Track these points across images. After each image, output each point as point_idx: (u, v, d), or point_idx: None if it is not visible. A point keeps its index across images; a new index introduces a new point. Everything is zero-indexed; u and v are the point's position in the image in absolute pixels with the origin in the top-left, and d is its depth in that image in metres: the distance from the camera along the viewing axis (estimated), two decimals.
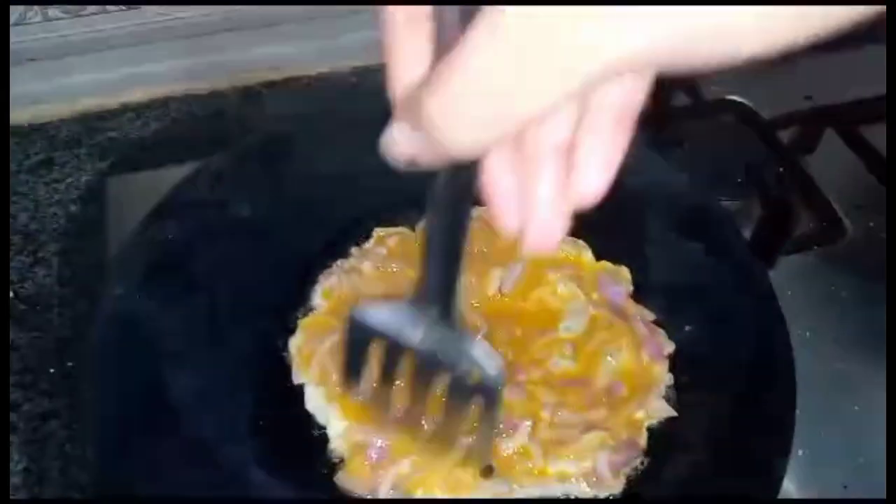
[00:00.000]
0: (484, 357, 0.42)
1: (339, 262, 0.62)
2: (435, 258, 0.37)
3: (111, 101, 0.82)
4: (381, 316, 0.43)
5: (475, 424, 0.45)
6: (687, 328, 0.58)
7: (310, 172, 0.65)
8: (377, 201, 0.66)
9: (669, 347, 0.57)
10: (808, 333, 0.63)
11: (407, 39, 0.28)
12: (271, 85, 0.85)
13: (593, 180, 0.29)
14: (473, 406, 0.43)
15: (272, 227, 0.62)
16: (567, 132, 0.28)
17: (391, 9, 0.28)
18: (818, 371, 0.60)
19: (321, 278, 0.61)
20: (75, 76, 0.80)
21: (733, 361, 0.55)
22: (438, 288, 0.39)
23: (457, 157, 0.27)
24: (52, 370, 0.61)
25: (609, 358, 0.55)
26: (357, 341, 0.45)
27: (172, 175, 0.64)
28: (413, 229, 0.64)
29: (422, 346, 0.42)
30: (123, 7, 0.78)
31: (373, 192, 0.66)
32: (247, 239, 0.61)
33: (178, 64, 0.83)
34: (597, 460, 0.50)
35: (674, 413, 0.54)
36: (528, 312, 0.58)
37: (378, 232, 0.64)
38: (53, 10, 0.76)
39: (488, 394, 0.43)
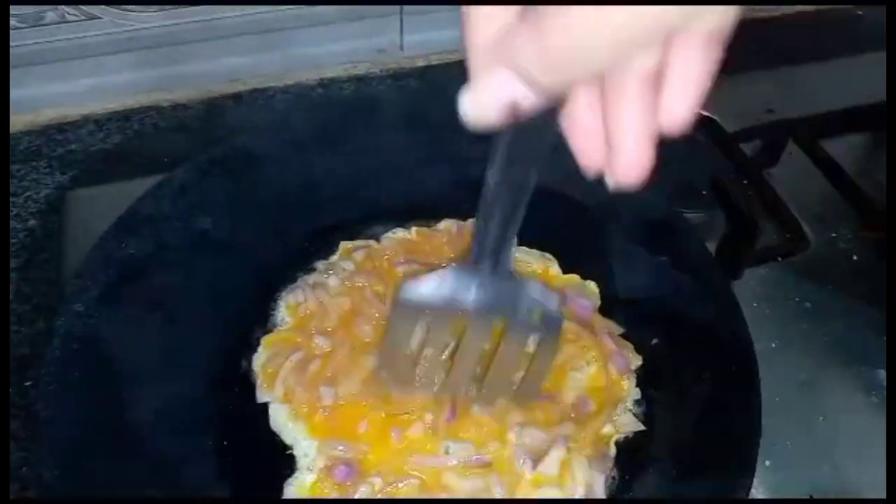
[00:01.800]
0: (544, 295, 0.44)
1: (304, 276, 0.61)
2: (496, 215, 0.38)
3: (72, 113, 0.80)
4: (430, 287, 0.44)
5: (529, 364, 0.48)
6: (654, 342, 0.58)
7: (274, 185, 0.64)
8: (342, 213, 0.65)
9: (637, 361, 0.57)
10: (773, 344, 0.63)
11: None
12: (235, 97, 0.84)
13: (682, 104, 0.30)
14: (529, 345, 0.46)
15: (235, 241, 0.61)
16: (654, 61, 0.29)
17: None
18: (783, 382, 0.61)
19: (285, 293, 0.60)
20: (35, 87, 0.79)
21: (700, 374, 0.55)
22: (496, 243, 0.40)
23: (552, 91, 0.29)
24: (9, 390, 0.59)
25: (576, 373, 0.55)
26: (403, 324, 0.46)
27: (135, 188, 0.63)
28: (379, 241, 0.64)
29: (478, 305, 0.43)
30: (83, 17, 0.76)
31: (338, 203, 0.65)
32: (209, 254, 0.60)
33: (141, 75, 0.81)
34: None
35: (642, 427, 0.54)
36: (497, 327, 0.57)
37: (344, 245, 0.63)
38: (11, 20, 0.74)
39: (550, 328, 0.45)
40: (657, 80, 0.30)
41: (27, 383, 0.60)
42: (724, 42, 0.29)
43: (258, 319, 0.59)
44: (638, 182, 0.32)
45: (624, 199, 0.63)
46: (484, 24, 0.30)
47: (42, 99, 0.80)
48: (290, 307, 0.59)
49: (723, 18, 0.28)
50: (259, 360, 0.56)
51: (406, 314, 0.46)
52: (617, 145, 0.31)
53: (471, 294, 0.43)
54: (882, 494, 0.52)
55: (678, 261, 0.60)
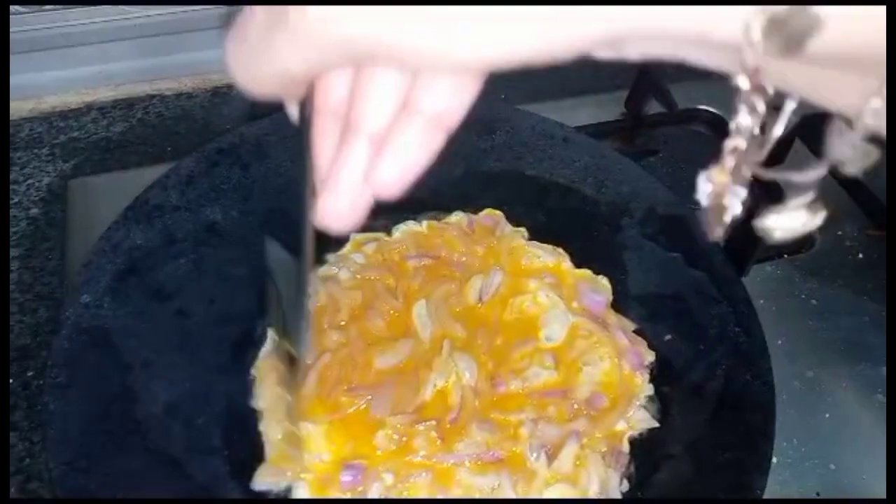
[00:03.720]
0: (301, 331, 0.42)
1: (314, 268, 0.60)
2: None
3: (75, 100, 0.79)
4: (276, 258, 0.43)
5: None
6: (667, 338, 0.58)
7: (283, 176, 0.63)
8: None
9: (650, 357, 0.57)
10: (779, 342, 0.63)
11: None
12: None
13: (391, 174, 0.29)
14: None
15: (244, 232, 0.61)
16: (382, 122, 0.29)
17: None
18: (789, 379, 0.61)
19: None
20: (38, 73, 0.78)
21: (713, 371, 0.55)
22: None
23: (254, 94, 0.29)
24: (10, 380, 0.58)
25: (589, 368, 0.55)
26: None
27: (138, 177, 0.62)
28: (389, 234, 0.63)
29: (282, 299, 0.42)
30: (87, 3, 0.75)
31: None
32: (218, 245, 0.60)
33: (145, 63, 0.80)
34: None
35: (655, 424, 0.54)
36: (508, 321, 0.57)
37: (355, 237, 0.62)
38: (14, 4, 0.73)
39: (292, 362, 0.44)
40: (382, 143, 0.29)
41: (29, 374, 0.59)
42: (448, 129, 0.29)
43: (268, 312, 0.58)
44: (339, 229, 0.31)
45: (637, 195, 0.63)
46: None
47: (44, 86, 0.78)
48: None
49: (445, 105, 0.28)
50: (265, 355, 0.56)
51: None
52: (331, 184, 0.30)
53: (284, 287, 0.42)
54: None
55: (691, 257, 0.59)
